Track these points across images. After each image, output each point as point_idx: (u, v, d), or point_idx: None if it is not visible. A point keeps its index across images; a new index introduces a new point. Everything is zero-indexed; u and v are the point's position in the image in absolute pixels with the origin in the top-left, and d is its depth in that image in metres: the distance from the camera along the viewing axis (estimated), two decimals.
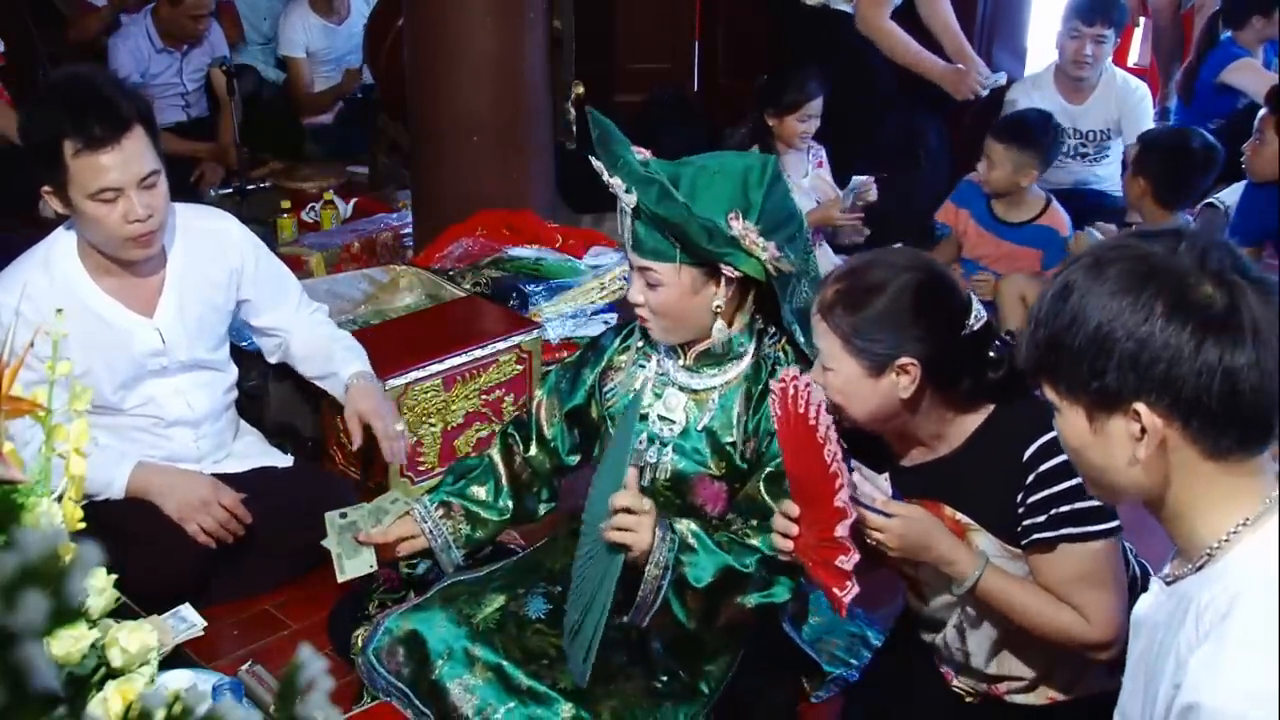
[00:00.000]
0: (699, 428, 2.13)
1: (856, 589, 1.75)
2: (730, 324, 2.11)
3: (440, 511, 2.31)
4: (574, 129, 4.31)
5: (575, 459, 2.37)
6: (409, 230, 4.24)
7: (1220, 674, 1.25)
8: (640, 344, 2.24)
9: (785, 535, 1.85)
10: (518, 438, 2.38)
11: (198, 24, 5.05)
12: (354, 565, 2.36)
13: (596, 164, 2.04)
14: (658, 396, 2.18)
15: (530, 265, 3.67)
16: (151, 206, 2.34)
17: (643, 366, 2.21)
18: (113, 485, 2.47)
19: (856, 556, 1.74)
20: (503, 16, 3.80)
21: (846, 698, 2.37)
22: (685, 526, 2.04)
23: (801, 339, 2.08)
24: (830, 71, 4.17)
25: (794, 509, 1.84)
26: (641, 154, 2.05)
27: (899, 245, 1.98)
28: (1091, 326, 1.30)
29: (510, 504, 2.34)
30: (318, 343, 2.74)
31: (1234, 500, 1.33)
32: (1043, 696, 1.99)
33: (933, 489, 1.92)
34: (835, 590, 1.75)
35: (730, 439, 2.12)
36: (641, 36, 5.77)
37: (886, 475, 1.96)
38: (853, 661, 2.48)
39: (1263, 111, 3.83)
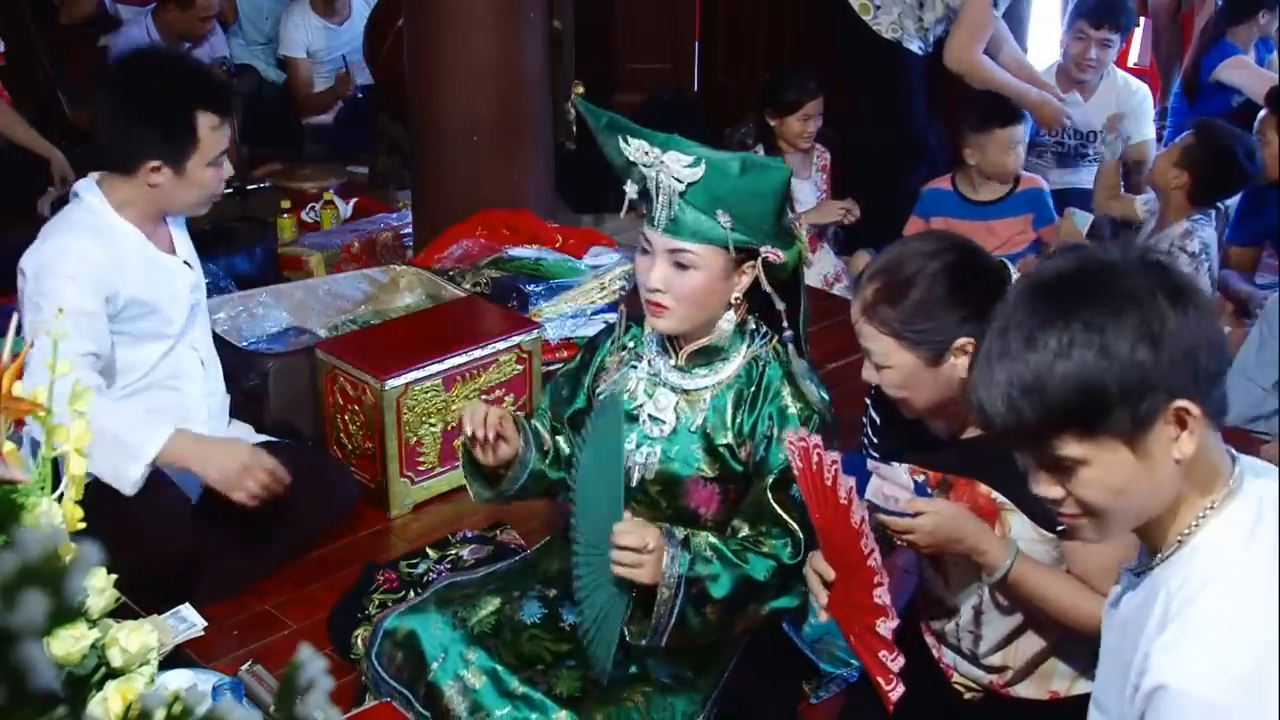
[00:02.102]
0: (691, 429, 2.11)
1: (903, 688, 1.73)
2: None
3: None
4: (574, 129, 4.31)
5: None
6: (409, 230, 4.24)
7: (1188, 658, 1.26)
8: (632, 344, 2.21)
9: (820, 592, 1.83)
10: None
11: (206, 25, 5.16)
12: None
13: (635, 144, 1.94)
14: (649, 396, 2.15)
15: (530, 265, 3.67)
16: None
17: (634, 368, 2.18)
18: (146, 448, 2.39)
19: (902, 660, 1.73)
20: (503, 16, 3.80)
21: (846, 698, 2.36)
22: (703, 540, 2.02)
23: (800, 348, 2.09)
24: (862, 70, 4.17)
25: (829, 571, 1.82)
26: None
27: (922, 232, 1.98)
28: (1126, 354, 1.26)
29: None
30: None
31: (1206, 483, 1.35)
32: (1043, 690, 1.99)
33: (973, 467, 1.91)
34: (882, 684, 1.74)
35: (725, 441, 2.09)
36: (641, 36, 5.77)
37: (906, 467, 1.94)
38: (853, 661, 2.48)
39: (1263, 112, 3.83)
